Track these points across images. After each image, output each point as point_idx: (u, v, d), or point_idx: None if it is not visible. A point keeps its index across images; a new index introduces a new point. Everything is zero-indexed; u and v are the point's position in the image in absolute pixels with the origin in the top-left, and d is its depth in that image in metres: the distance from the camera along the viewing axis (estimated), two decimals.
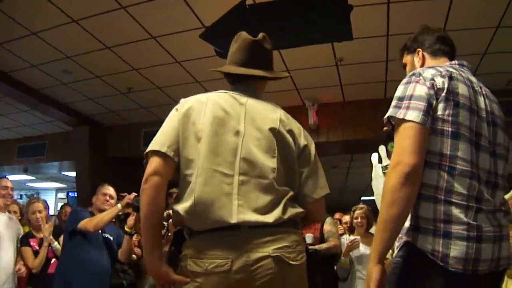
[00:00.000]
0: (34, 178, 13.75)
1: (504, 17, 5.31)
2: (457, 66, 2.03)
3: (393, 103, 1.87)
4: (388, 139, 2.43)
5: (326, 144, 8.65)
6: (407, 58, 2.31)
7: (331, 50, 6.27)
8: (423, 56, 2.19)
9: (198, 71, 7.05)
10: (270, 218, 1.95)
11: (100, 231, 4.22)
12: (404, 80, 1.91)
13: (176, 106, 2.26)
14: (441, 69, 1.89)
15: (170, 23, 5.63)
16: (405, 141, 1.77)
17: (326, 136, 8.41)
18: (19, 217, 5.33)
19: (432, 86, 1.82)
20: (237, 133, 2.09)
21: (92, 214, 4.31)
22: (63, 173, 12.14)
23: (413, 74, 1.90)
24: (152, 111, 9.03)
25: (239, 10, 5.11)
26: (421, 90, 1.82)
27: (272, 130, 2.12)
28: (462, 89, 1.86)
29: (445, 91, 1.81)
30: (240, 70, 2.30)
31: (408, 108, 1.80)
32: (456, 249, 1.71)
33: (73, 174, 9.83)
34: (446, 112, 1.80)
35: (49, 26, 5.69)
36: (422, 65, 2.16)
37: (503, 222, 1.87)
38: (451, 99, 1.81)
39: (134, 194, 4.34)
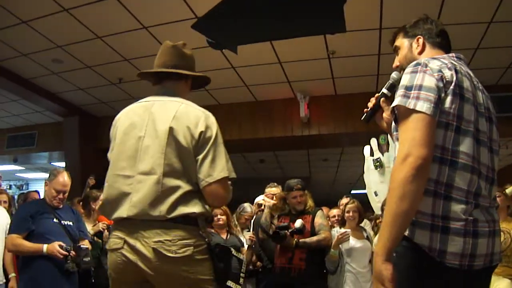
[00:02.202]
0: (24, 168, 13.68)
1: (497, 12, 5.32)
2: (455, 59, 2.01)
3: (401, 91, 1.83)
4: (370, 118, 2.38)
5: (317, 137, 8.66)
6: (402, 42, 2.26)
7: (324, 42, 6.26)
8: (424, 45, 2.15)
9: None
10: (156, 212, 2.26)
11: (59, 220, 4.08)
12: (409, 69, 1.87)
13: None
14: (445, 61, 1.88)
15: (162, 13, 5.60)
16: (415, 132, 1.73)
17: (317, 129, 8.42)
18: (7, 207, 5.31)
19: (441, 78, 1.79)
20: (138, 138, 2.41)
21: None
22: (52, 163, 12.07)
23: (418, 64, 1.86)
24: None
25: (232, 1, 5.08)
26: (431, 81, 1.78)
27: (166, 128, 2.35)
28: (466, 83, 1.85)
29: (453, 84, 1.79)
30: (155, 69, 2.64)
31: (418, 98, 1.75)
32: (454, 245, 1.71)
33: (63, 164, 9.78)
34: (453, 106, 1.78)
35: (40, 14, 5.64)
36: (421, 53, 2.14)
37: (496, 217, 1.88)
38: (458, 93, 1.80)
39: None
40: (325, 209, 6.67)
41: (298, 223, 4.49)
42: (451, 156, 1.77)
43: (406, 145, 1.73)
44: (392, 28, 2.39)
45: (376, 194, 6.94)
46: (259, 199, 5.94)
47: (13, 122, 10.76)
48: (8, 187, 14.52)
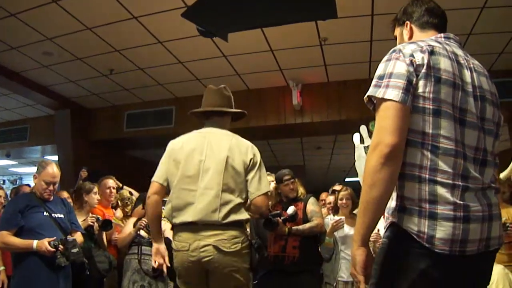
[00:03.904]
0: (17, 163, 13.63)
1: None
2: (442, 39, 1.98)
3: (374, 81, 1.83)
4: None
5: (310, 125, 8.65)
6: (397, 31, 2.26)
7: (315, 29, 6.23)
8: (411, 29, 2.14)
9: (181, 52, 6.98)
10: (214, 218, 3.03)
11: (49, 213, 4.06)
12: (385, 58, 1.87)
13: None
14: (422, 44, 1.85)
15: (151, 2, 5.55)
16: (385, 121, 1.74)
17: (310, 117, 8.41)
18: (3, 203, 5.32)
19: (411, 62, 1.77)
20: (200, 161, 3.21)
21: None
22: (45, 157, 12.03)
23: (394, 51, 1.85)
24: (135, 93, 8.97)
25: None
26: (401, 67, 1.77)
27: (224, 155, 3.18)
28: (444, 63, 1.81)
29: (425, 67, 1.76)
30: (205, 108, 3.47)
31: (387, 86, 1.76)
32: (442, 230, 1.69)
33: (55, 158, 9.75)
34: (427, 89, 1.75)
35: (29, 7, 5.57)
36: (410, 38, 2.12)
37: (494, 200, 1.83)
38: (432, 75, 1.77)
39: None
40: (324, 194, 6.70)
41: (291, 209, 4.50)
42: (432, 141, 1.75)
43: (377, 134, 1.75)
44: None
45: None
46: None
47: (4, 116, 10.72)
48: (1, 182, 14.49)
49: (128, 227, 5.07)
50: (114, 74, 7.88)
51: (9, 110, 10.21)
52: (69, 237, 4.00)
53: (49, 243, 3.80)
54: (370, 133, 6.39)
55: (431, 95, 1.75)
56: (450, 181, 1.72)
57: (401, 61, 1.79)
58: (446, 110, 1.76)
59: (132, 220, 5.15)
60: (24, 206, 3.98)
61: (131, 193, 6.28)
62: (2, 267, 4.70)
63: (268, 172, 5.55)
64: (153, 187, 3.27)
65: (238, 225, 3.12)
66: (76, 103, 9.50)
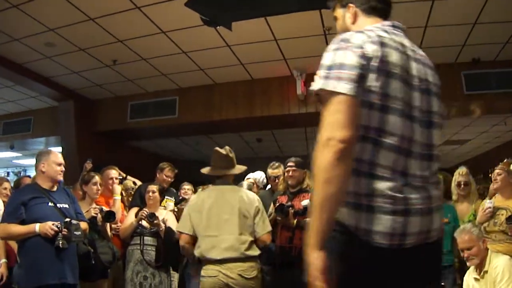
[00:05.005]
0: (21, 155, 13.63)
1: None
2: (389, 27, 1.91)
3: (322, 72, 1.74)
4: None
5: (315, 115, 8.56)
6: (338, 12, 2.15)
7: (319, 19, 6.18)
8: (356, 14, 2.04)
9: (184, 41, 6.95)
10: (236, 255, 3.84)
11: (54, 203, 4.05)
12: (332, 46, 1.77)
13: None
14: (371, 34, 1.77)
15: None
16: (336, 115, 1.64)
17: (314, 107, 8.36)
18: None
19: (363, 54, 1.69)
20: (218, 214, 3.96)
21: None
22: (50, 148, 12.03)
23: (342, 40, 1.76)
24: (138, 84, 8.94)
25: None
26: (352, 58, 1.68)
27: (237, 209, 3.97)
28: (394, 56, 1.75)
29: (375, 60, 1.69)
30: (220, 172, 4.18)
31: (339, 79, 1.66)
32: (381, 224, 1.66)
33: (59, 149, 9.74)
34: (376, 84, 1.69)
35: None
36: (353, 23, 2.03)
37: (434, 193, 1.81)
38: (382, 69, 1.70)
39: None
40: None
41: (305, 202, 4.50)
42: (375, 135, 1.70)
43: (328, 128, 1.65)
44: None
45: None
46: (255, 176, 6.22)
47: (8, 108, 10.71)
48: (6, 174, 14.48)
49: (130, 218, 5.06)
50: (117, 65, 7.85)
51: (12, 102, 10.19)
52: (73, 221, 4.00)
53: (52, 224, 3.82)
54: None
55: (379, 90, 1.69)
56: (389, 176, 1.69)
57: (351, 52, 1.70)
58: (394, 106, 1.71)
59: (134, 210, 5.14)
60: (28, 198, 3.96)
61: (134, 183, 6.28)
62: (4, 260, 4.70)
63: (276, 164, 5.62)
64: (184, 238, 4.04)
65: (253, 258, 3.94)
66: (79, 94, 9.48)
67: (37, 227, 3.81)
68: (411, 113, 1.75)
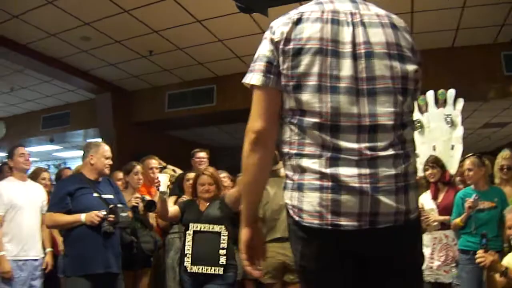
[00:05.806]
0: (61, 147, 13.83)
1: None
2: None
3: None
4: None
5: None
6: None
7: None
8: None
9: (219, 30, 6.86)
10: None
11: (99, 194, 4.06)
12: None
13: None
14: (292, 13, 1.73)
15: None
16: (253, 107, 1.73)
17: None
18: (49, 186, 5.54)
19: (272, 40, 1.71)
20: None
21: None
22: (88, 141, 12.17)
23: (268, 28, 1.77)
24: (175, 73, 8.91)
25: None
26: (264, 47, 1.73)
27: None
28: (310, 30, 1.66)
29: (282, 42, 1.68)
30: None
31: (252, 71, 1.73)
32: (309, 202, 1.61)
33: (98, 141, 9.84)
34: (285, 66, 1.67)
35: None
36: None
37: (384, 170, 1.60)
38: (291, 49, 1.66)
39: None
40: None
41: None
42: (298, 116, 1.67)
43: (249, 120, 1.74)
44: None
45: (417, 156, 6.75)
46: None
47: (46, 102, 10.83)
48: (46, 167, 14.71)
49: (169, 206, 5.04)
50: (154, 55, 7.83)
51: (50, 96, 10.31)
52: (119, 205, 4.04)
53: (98, 212, 3.87)
54: (419, 107, 6.17)
55: (289, 71, 1.67)
56: (317, 153, 1.63)
57: (266, 41, 1.74)
58: (307, 83, 1.64)
59: (172, 198, 5.10)
60: (75, 189, 3.99)
61: (174, 171, 6.27)
62: (49, 249, 4.78)
63: None
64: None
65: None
66: (116, 86, 9.52)
67: (82, 216, 3.84)
68: (336, 84, 1.63)
